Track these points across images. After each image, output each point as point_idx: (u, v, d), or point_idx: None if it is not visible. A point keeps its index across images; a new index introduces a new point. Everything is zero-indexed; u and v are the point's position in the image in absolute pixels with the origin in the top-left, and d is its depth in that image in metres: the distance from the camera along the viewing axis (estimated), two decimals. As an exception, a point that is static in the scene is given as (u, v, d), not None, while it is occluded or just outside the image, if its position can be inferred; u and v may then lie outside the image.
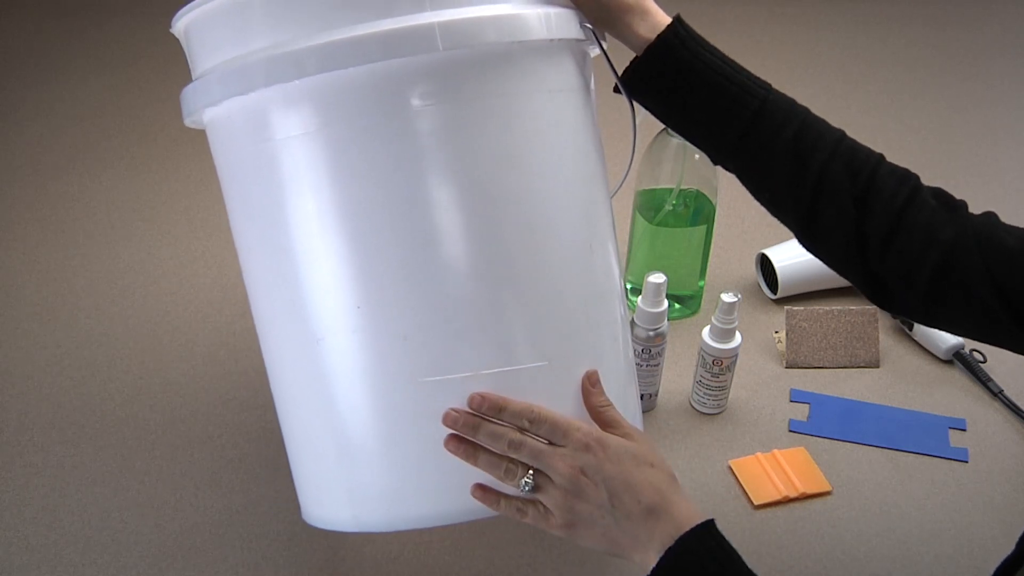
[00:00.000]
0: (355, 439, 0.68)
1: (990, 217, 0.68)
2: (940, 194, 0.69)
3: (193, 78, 0.72)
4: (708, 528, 0.64)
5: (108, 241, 1.27)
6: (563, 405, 0.68)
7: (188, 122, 0.73)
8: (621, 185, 0.81)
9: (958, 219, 0.68)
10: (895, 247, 0.68)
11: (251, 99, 0.66)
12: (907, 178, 0.69)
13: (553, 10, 0.67)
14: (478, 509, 0.68)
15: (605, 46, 0.73)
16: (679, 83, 0.70)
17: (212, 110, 0.70)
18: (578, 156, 0.71)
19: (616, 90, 0.73)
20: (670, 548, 0.62)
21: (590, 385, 0.69)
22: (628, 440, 0.67)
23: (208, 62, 0.69)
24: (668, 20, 0.70)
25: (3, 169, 1.43)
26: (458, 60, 0.63)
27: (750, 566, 0.64)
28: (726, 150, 0.71)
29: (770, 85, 0.70)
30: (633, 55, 0.71)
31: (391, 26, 0.62)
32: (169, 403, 1.01)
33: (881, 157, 0.70)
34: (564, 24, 0.68)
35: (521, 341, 0.67)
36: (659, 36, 0.69)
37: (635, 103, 0.74)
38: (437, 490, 0.68)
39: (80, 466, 0.93)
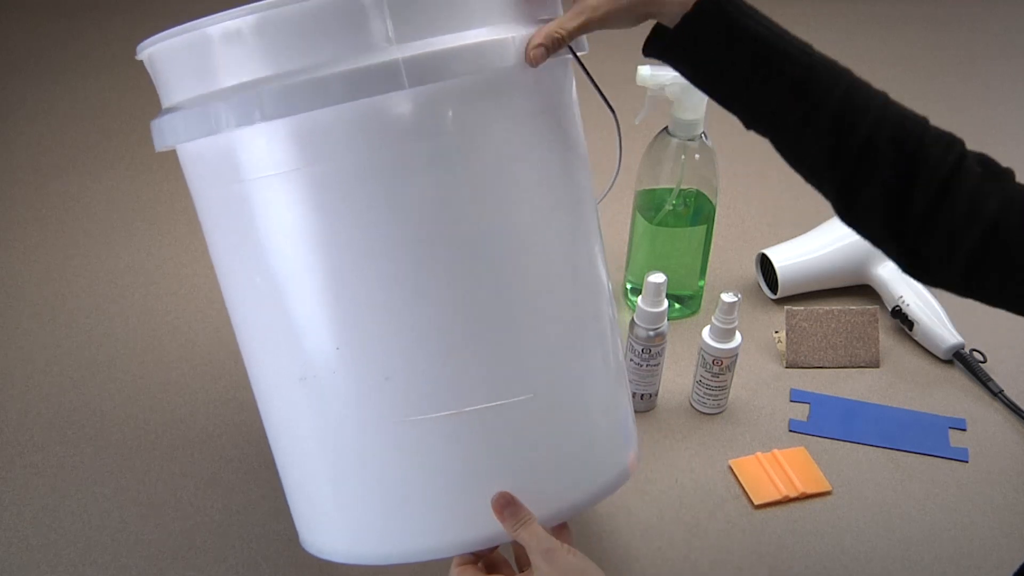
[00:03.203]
0: (344, 475, 0.68)
1: None
2: (985, 161, 0.66)
3: (162, 106, 0.71)
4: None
5: (108, 241, 1.27)
6: (549, 435, 0.68)
7: (159, 149, 0.72)
8: (606, 194, 0.79)
9: (1003, 190, 0.65)
10: (938, 221, 0.65)
11: (219, 138, 0.65)
12: (952, 144, 0.66)
13: (524, 31, 0.65)
14: (467, 542, 0.68)
15: (583, 54, 0.71)
16: (717, 51, 0.66)
17: (182, 145, 0.70)
18: (559, 179, 0.69)
19: (602, 95, 0.71)
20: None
21: (499, 509, 0.67)
22: None
23: (175, 96, 0.68)
24: None
25: (3, 169, 1.43)
26: (429, 95, 0.62)
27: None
28: (762, 119, 0.68)
29: (812, 49, 0.67)
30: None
31: (353, 65, 0.60)
32: (169, 403, 1.01)
33: (925, 122, 0.67)
34: None
35: (506, 376, 0.66)
36: (696, 4, 0.65)
37: (615, 112, 0.72)
38: (426, 526, 0.67)
39: (80, 466, 0.93)
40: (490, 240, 0.65)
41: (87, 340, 1.09)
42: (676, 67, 0.69)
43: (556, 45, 0.66)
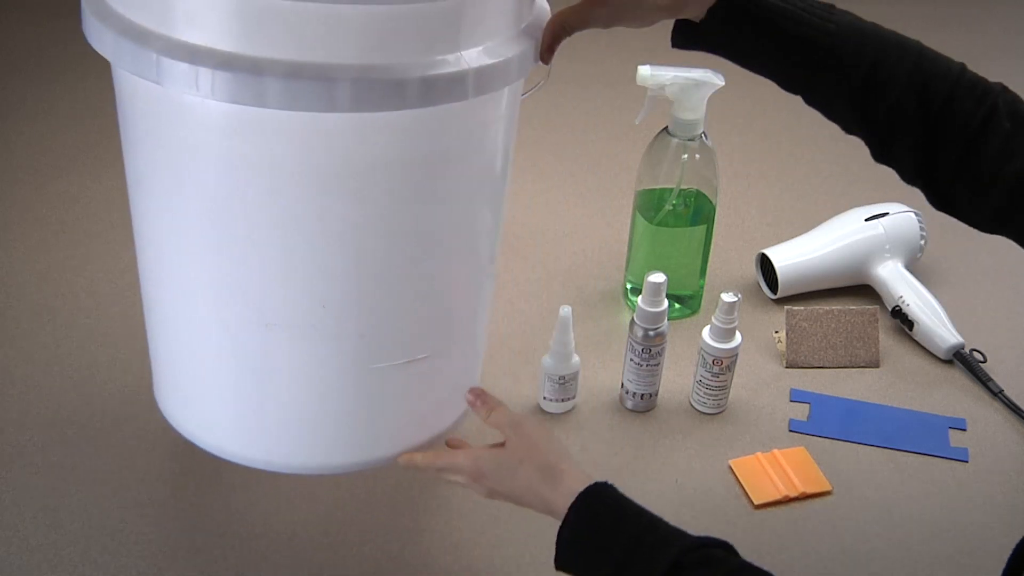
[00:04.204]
0: (305, 410, 0.76)
1: None
2: (1016, 114, 0.68)
3: None
4: (600, 489, 0.70)
5: (108, 241, 1.27)
6: (461, 371, 0.83)
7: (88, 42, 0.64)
8: (531, 92, 0.79)
9: None
10: (965, 177, 0.68)
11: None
12: (985, 96, 0.68)
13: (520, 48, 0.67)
14: (415, 445, 0.80)
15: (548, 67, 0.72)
16: (744, 36, 0.69)
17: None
18: (498, 182, 0.75)
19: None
20: (566, 516, 0.69)
21: (473, 401, 0.81)
22: (497, 450, 0.75)
23: (134, 12, 0.62)
24: None
25: (3, 169, 1.43)
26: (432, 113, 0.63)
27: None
28: (795, 87, 0.71)
29: (837, 14, 0.69)
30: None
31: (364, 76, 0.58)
32: (169, 403, 1.01)
33: (960, 72, 0.69)
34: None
35: (444, 333, 0.78)
36: None
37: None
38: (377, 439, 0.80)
39: (80, 466, 0.93)
40: (435, 237, 0.71)
41: (87, 340, 1.09)
42: (705, 51, 0.72)
43: (564, 34, 0.70)
